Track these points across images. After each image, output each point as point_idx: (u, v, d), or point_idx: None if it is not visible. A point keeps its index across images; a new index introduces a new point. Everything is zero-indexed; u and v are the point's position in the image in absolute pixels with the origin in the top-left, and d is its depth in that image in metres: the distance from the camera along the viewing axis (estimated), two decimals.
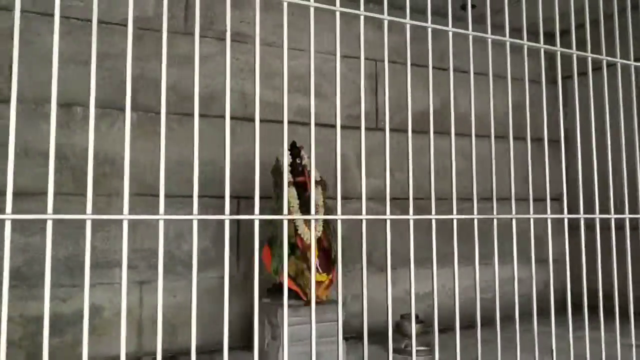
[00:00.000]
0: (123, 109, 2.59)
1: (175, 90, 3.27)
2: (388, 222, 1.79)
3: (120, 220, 1.37)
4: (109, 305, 3.28)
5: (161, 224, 1.37)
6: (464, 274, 1.86)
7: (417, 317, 2.78)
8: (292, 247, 3.18)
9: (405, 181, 1.92)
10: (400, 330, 3.31)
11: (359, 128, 2.12)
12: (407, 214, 1.82)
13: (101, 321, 3.22)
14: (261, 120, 2.49)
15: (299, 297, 3.12)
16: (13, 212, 1.17)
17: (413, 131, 1.94)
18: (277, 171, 3.23)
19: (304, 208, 3.17)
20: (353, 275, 3.52)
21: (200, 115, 2.14)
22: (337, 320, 1.81)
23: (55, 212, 1.24)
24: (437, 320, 1.81)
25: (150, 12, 3.58)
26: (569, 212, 2.19)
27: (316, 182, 3.12)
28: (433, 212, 1.84)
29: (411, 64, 1.91)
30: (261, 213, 1.59)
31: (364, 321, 1.67)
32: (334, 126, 2.88)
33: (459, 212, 1.88)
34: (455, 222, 1.85)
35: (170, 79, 2.76)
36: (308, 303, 2.91)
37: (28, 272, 3.10)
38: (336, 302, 2.68)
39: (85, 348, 1.24)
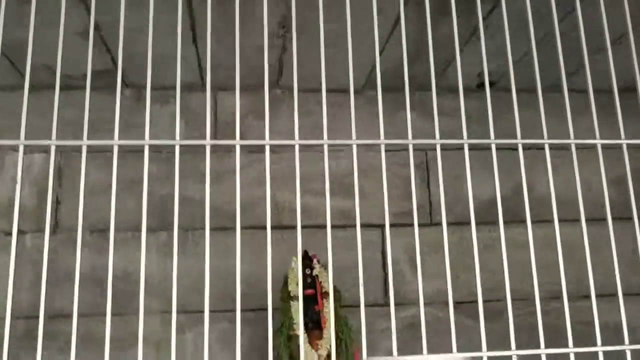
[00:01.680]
0: (154, 230, 3.92)
1: (202, 206, 3.60)
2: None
3: (154, 335, 1.64)
4: None
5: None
6: None
7: None
8: None
9: (471, 281, 1.79)
10: None
11: (409, 225, 2.31)
12: (475, 318, 1.61)
13: None
14: (293, 227, 3.28)
15: None
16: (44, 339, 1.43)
17: (478, 223, 1.83)
18: (284, 284, 3.16)
19: (312, 324, 2.99)
20: None
21: (229, 228, 3.05)
22: None
23: (89, 332, 1.55)
24: None
25: (182, 136, 3.61)
26: None
27: (325, 294, 3.00)
28: (513, 345, 1.59)
29: (470, 148, 1.86)
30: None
31: None
32: (379, 226, 3.48)
33: (546, 313, 1.70)
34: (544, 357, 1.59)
35: (198, 195, 3.43)
36: None
37: None
38: None
39: None
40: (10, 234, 1.83)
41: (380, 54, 3.25)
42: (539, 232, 1.82)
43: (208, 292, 1.65)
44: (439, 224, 1.75)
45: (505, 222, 1.59)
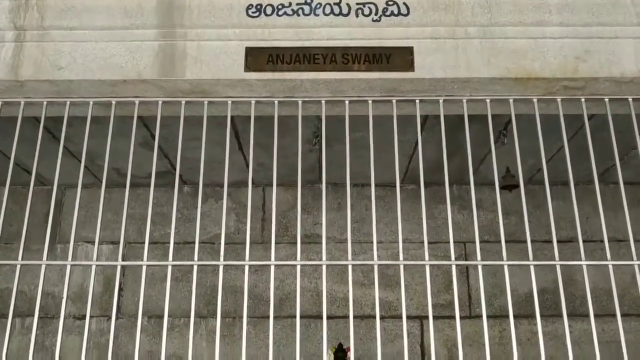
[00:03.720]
0: (204, 317, 4.05)
1: (251, 295, 3.71)
2: None
3: None
4: None
5: None
6: None
7: None
8: None
9: None
10: None
11: (448, 317, 2.65)
12: None
13: None
14: (334, 317, 3.45)
15: None
16: None
17: (518, 316, 1.85)
18: None
19: None
20: None
21: (274, 317, 3.51)
22: None
23: None
24: None
25: (232, 229, 3.94)
26: None
27: None
28: None
29: (509, 241, 1.92)
30: None
31: None
32: (417, 317, 3.45)
33: None
34: None
35: (248, 284, 3.89)
36: None
37: None
38: None
39: None
40: (79, 318, 2.04)
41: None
42: (582, 326, 1.70)
43: None
44: (479, 316, 1.66)
45: (546, 316, 1.55)
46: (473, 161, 2.10)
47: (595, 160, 2.07)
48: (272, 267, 2.00)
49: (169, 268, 2.01)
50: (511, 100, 2.11)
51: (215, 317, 3.61)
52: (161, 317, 3.51)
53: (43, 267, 1.99)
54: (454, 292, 3.05)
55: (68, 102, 2.12)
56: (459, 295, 3.56)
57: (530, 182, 3.37)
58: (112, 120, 2.12)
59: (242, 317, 3.61)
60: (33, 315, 1.98)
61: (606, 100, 2.10)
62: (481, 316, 1.76)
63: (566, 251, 2.00)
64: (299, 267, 2.00)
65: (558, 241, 1.95)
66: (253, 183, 3.81)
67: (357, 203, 3.74)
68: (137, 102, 2.13)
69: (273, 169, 2.09)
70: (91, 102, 2.13)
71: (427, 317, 3.52)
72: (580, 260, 1.92)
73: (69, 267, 1.99)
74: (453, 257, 1.98)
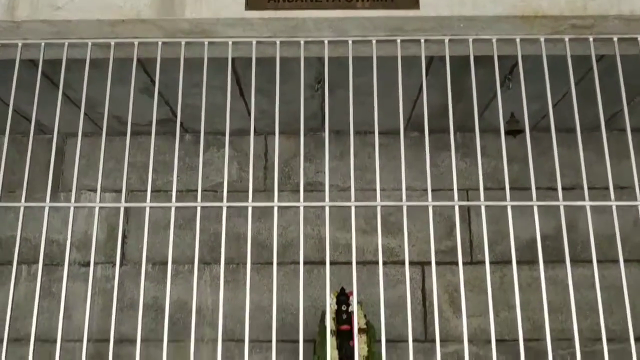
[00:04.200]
0: (208, 263, 4.09)
1: (254, 242, 3.63)
2: None
3: None
4: None
5: None
6: None
7: None
8: None
9: (513, 320, 1.76)
10: None
11: (449, 263, 2.74)
12: (516, 357, 1.57)
13: None
14: (336, 263, 3.45)
15: None
16: None
17: (518, 262, 1.81)
18: (321, 319, 3.32)
19: (346, 358, 3.14)
20: None
21: (277, 264, 3.45)
22: None
23: (149, 355, 1.81)
24: None
25: (234, 177, 3.96)
26: None
27: (361, 330, 3.12)
28: None
29: (512, 188, 1.91)
30: None
31: None
32: (419, 263, 3.55)
33: (589, 355, 1.69)
34: None
35: (251, 231, 3.91)
36: None
37: None
38: None
39: None
40: (84, 265, 2.07)
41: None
42: (583, 272, 1.73)
43: (248, 325, 1.72)
44: (480, 262, 1.69)
45: (547, 262, 1.58)
46: (477, 108, 2.08)
47: (602, 105, 2.03)
48: (275, 209, 2.00)
49: (172, 210, 2.01)
50: (518, 40, 2.06)
51: (219, 264, 3.65)
52: (165, 263, 3.50)
53: (46, 209, 2.00)
54: (455, 237, 3.05)
55: (66, 43, 2.09)
56: (461, 242, 3.65)
57: (535, 129, 3.34)
58: (111, 62, 2.09)
59: (245, 264, 3.67)
60: (38, 262, 2.01)
61: (615, 39, 2.05)
62: (482, 262, 1.79)
63: (569, 198, 1.97)
64: (302, 209, 2.00)
65: (562, 188, 1.95)
66: (255, 131, 3.79)
67: (360, 151, 3.72)
68: (136, 43, 2.10)
69: (275, 116, 2.07)
70: (90, 43, 2.09)
71: (428, 263, 3.55)
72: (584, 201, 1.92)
73: (72, 209, 2.00)
74: (456, 198, 1.98)
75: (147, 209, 2.00)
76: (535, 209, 1.92)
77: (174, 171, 2.07)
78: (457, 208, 2.02)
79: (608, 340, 1.75)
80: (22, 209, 1.99)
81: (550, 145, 1.99)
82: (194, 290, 1.94)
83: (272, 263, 2.07)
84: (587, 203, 1.92)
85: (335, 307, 3.22)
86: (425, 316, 3.62)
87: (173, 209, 2.01)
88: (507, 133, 3.25)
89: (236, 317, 3.23)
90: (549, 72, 2.05)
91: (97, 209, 2.00)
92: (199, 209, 2.03)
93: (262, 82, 2.24)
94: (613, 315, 1.72)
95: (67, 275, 3.63)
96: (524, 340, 1.73)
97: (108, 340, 1.89)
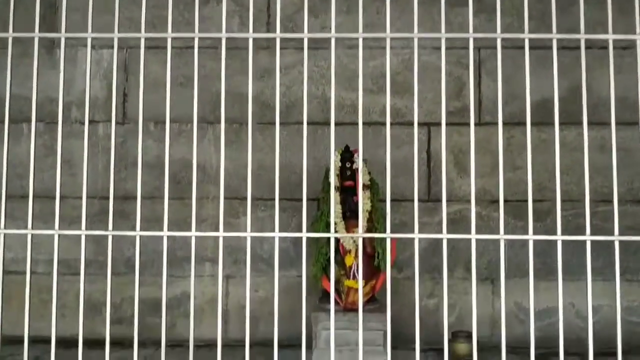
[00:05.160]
0: (211, 123, 4.06)
1: (257, 101, 3.65)
2: (502, 241, 1.50)
3: (212, 218, 1.95)
4: (199, 295, 3.58)
5: (248, 241, 1.57)
6: (598, 292, 1.68)
7: (469, 334, 2.79)
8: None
9: (518, 182, 1.76)
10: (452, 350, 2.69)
11: (455, 124, 2.67)
12: (523, 219, 1.60)
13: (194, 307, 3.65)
14: (341, 124, 3.05)
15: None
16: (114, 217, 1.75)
17: (533, 123, 1.76)
18: (325, 176, 3.31)
19: (350, 213, 3.18)
20: (448, 282, 3.55)
21: (280, 123, 2.90)
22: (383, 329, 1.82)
23: (154, 212, 1.78)
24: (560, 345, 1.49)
25: (235, 31, 3.79)
26: None
27: (365, 187, 3.12)
28: (559, 230, 1.48)
29: (529, 47, 1.78)
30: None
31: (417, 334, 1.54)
32: (425, 124, 3.46)
33: (594, 216, 1.62)
34: (588, 243, 1.49)
35: (254, 90, 3.76)
36: (345, 309, 3.12)
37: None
38: (382, 309, 2.95)
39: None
40: (84, 123, 2.05)
41: None
42: (592, 134, 1.73)
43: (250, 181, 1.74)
44: (488, 123, 1.70)
45: (559, 123, 1.55)
46: None
47: None
48: (278, 41, 1.97)
49: (169, 41, 1.99)
50: None
51: (219, 123, 3.60)
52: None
53: (36, 39, 1.94)
54: (464, 97, 2.97)
55: None
56: (469, 102, 3.55)
57: None
58: None
59: (248, 124, 3.64)
60: (39, 120, 1.97)
61: None
62: (490, 123, 1.77)
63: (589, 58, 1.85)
64: (306, 40, 1.95)
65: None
66: None
67: (369, 6, 3.51)
68: None
69: None
70: None
71: (435, 124, 3.52)
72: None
73: (62, 39, 1.98)
74: (471, 30, 1.87)
75: (142, 40, 1.98)
76: (554, 42, 1.77)
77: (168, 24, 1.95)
78: (471, 41, 1.88)
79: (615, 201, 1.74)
80: (10, 40, 1.93)
81: None
82: (194, 147, 1.91)
83: (275, 123, 2.03)
84: (611, 37, 1.74)
85: (340, 164, 3.21)
86: (430, 177, 3.64)
87: (169, 40, 1.98)
88: None
89: (240, 176, 3.28)
90: None
91: (89, 39, 1.97)
92: (196, 39, 2.02)
93: None
94: (619, 177, 1.72)
95: (69, 134, 3.64)
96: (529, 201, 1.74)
97: (113, 198, 1.89)
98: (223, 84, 2.05)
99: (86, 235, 1.83)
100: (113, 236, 1.77)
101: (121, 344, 3.05)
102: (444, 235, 1.54)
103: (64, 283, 3.65)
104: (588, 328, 1.51)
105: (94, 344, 2.96)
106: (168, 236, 1.81)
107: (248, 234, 1.54)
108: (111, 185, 1.85)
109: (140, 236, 1.84)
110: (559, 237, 1.47)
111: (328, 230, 2.64)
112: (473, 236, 1.53)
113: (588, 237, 1.50)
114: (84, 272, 1.84)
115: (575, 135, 2.56)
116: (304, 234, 1.48)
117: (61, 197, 1.95)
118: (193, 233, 1.62)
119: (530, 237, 1.50)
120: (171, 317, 3.63)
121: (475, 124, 3.50)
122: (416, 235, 1.58)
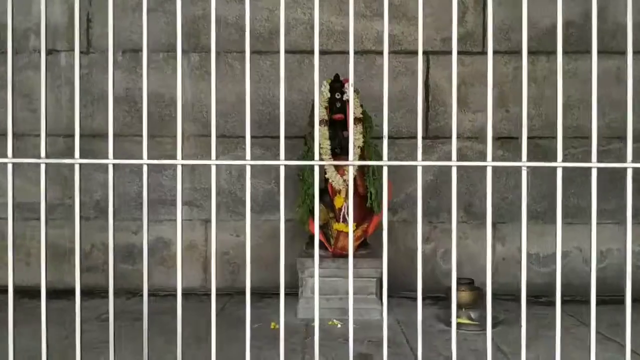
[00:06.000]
0: (186, 52, 3.71)
1: (237, 27, 3.36)
2: (489, 169, 1.28)
3: (188, 158, 1.51)
4: (175, 240, 3.53)
5: (213, 170, 1.38)
6: (608, 235, 1.58)
7: (471, 282, 2.73)
8: (321, 193, 2.64)
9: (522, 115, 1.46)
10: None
11: (458, 53, 2.25)
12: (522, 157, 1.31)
13: (169, 254, 3.42)
14: (330, 52, 3.15)
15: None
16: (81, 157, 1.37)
17: (535, 52, 1.63)
18: (312, 110, 2.94)
19: (339, 149, 2.89)
20: (445, 227, 3.25)
21: (263, 52, 2.97)
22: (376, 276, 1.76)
23: (124, 151, 1.48)
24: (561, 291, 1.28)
25: None
26: None
27: (356, 120, 2.84)
28: (559, 157, 1.29)
29: None
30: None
31: (419, 282, 1.33)
32: (424, 53, 3.09)
33: (605, 154, 1.53)
34: (594, 171, 1.28)
35: (232, 15, 3.17)
36: (334, 255, 2.93)
37: (106, 205, 3.51)
38: (374, 255, 2.84)
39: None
40: (46, 53, 1.79)
41: None
42: (606, 65, 1.57)
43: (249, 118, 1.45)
44: (494, 52, 1.53)
45: (569, 52, 1.41)
46: None
47: None
48: None
49: None
50: None
51: (199, 52, 3.33)
52: (136, 51, 3.18)
53: None
54: (467, 23, 2.76)
55: None
56: (473, 29, 3.19)
57: None
58: None
59: (230, 52, 3.37)
60: None
61: None
62: (495, 52, 1.61)
63: None
64: None
65: None
66: None
67: None
68: None
69: None
70: None
71: (433, 53, 3.26)
72: None
73: None
74: None
75: None
76: None
77: None
78: None
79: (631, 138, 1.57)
80: None
81: None
82: (178, 81, 1.64)
83: (263, 52, 1.79)
84: None
85: (328, 95, 2.87)
86: (428, 111, 3.34)
87: None
88: None
89: (219, 111, 3.06)
90: None
91: None
92: None
93: None
94: (635, 112, 1.55)
95: (28, 65, 3.33)
96: (535, 137, 1.59)
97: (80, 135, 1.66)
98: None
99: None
100: (81, 178, 1.51)
101: (90, 293, 2.95)
102: (454, 163, 1.23)
103: (28, 228, 3.45)
104: (591, 265, 1.30)
105: (62, 293, 2.82)
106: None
107: (213, 162, 1.25)
108: (76, 107, 1.58)
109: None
110: (559, 164, 1.24)
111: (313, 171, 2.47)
112: (489, 163, 1.24)
113: (594, 164, 1.27)
114: (47, 217, 1.61)
115: (589, 65, 2.36)
116: (282, 162, 1.19)
117: (22, 134, 1.71)
118: (179, 161, 1.32)
119: (524, 163, 1.25)
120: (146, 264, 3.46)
121: (479, 53, 3.20)
122: (419, 163, 1.25)
